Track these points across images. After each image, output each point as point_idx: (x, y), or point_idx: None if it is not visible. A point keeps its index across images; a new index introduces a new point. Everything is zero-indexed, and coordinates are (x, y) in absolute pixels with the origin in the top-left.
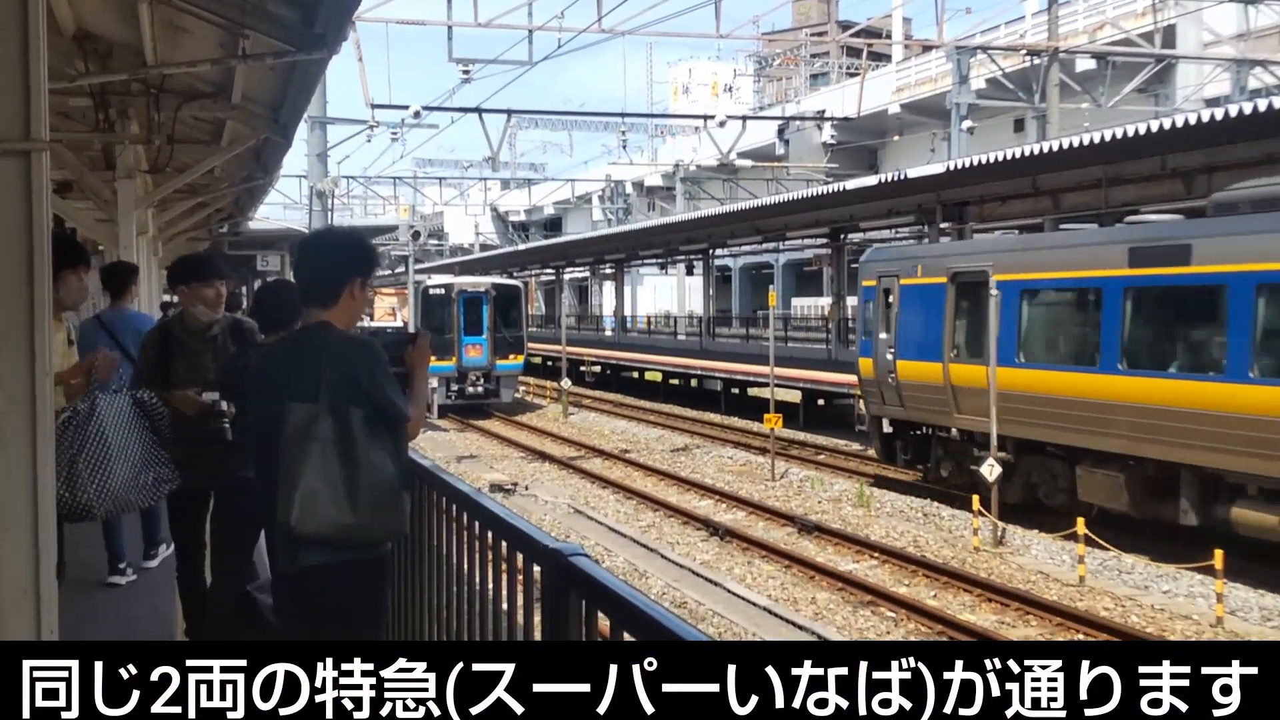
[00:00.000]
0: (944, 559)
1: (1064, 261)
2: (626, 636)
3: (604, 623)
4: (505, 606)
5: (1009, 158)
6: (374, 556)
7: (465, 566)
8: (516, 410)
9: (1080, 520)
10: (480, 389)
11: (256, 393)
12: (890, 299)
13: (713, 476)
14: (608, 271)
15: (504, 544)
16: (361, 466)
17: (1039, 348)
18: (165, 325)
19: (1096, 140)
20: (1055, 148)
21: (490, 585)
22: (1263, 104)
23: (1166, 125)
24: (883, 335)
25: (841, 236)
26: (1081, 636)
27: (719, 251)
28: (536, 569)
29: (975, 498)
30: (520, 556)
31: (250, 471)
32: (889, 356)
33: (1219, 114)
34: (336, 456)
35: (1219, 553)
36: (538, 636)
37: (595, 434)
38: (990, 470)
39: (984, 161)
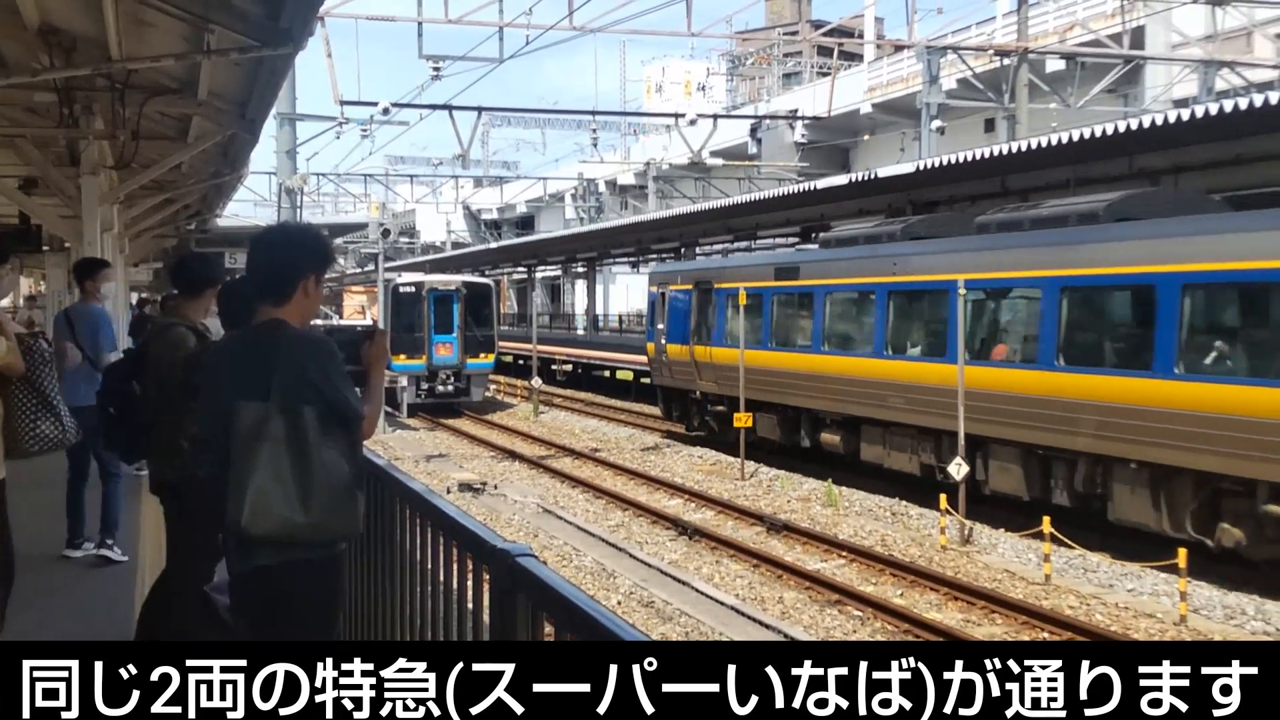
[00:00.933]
0: (911, 558)
1: (744, 275)
2: (569, 638)
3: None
4: (471, 605)
5: (978, 158)
6: (327, 556)
7: (429, 565)
8: (487, 409)
9: (1046, 519)
10: (450, 387)
11: (209, 390)
12: (663, 300)
13: (682, 475)
14: (580, 270)
15: (454, 545)
16: (314, 466)
17: (732, 335)
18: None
19: (1064, 141)
20: (1023, 148)
21: (455, 584)
22: (1229, 105)
23: (1134, 126)
24: (659, 326)
25: (813, 235)
26: (1047, 635)
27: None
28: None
29: (943, 496)
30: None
31: (204, 470)
32: (663, 342)
33: (1185, 115)
34: (288, 456)
35: (1182, 551)
36: (486, 637)
37: (566, 433)
38: (958, 469)
39: (953, 161)
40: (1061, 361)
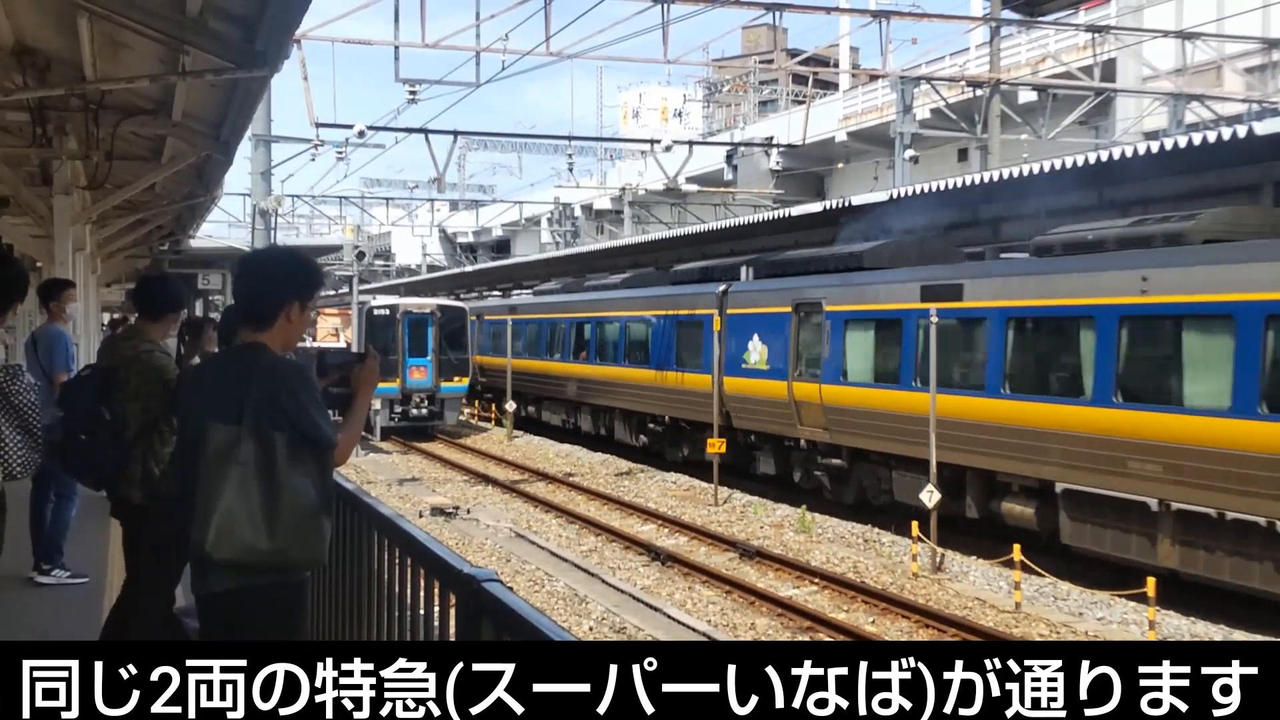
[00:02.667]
0: (883, 585)
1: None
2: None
3: None
4: (437, 631)
5: (949, 187)
6: (288, 582)
7: (397, 589)
8: (460, 433)
9: (1016, 547)
10: (424, 411)
11: (182, 411)
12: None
13: (656, 501)
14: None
15: (422, 570)
16: (282, 492)
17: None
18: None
19: (1034, 171)
20: (994, 178)
21: (422, 609)
22: (1197, 138)
23: (1104, 158)
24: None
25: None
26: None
27: None
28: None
29: (915, 524)
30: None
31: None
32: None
33: (1154, 147)
34: (256, 480)
35: (1151, 580)
36: None
37: (540, 457)
38: (929, 497)
39: (925, 190)
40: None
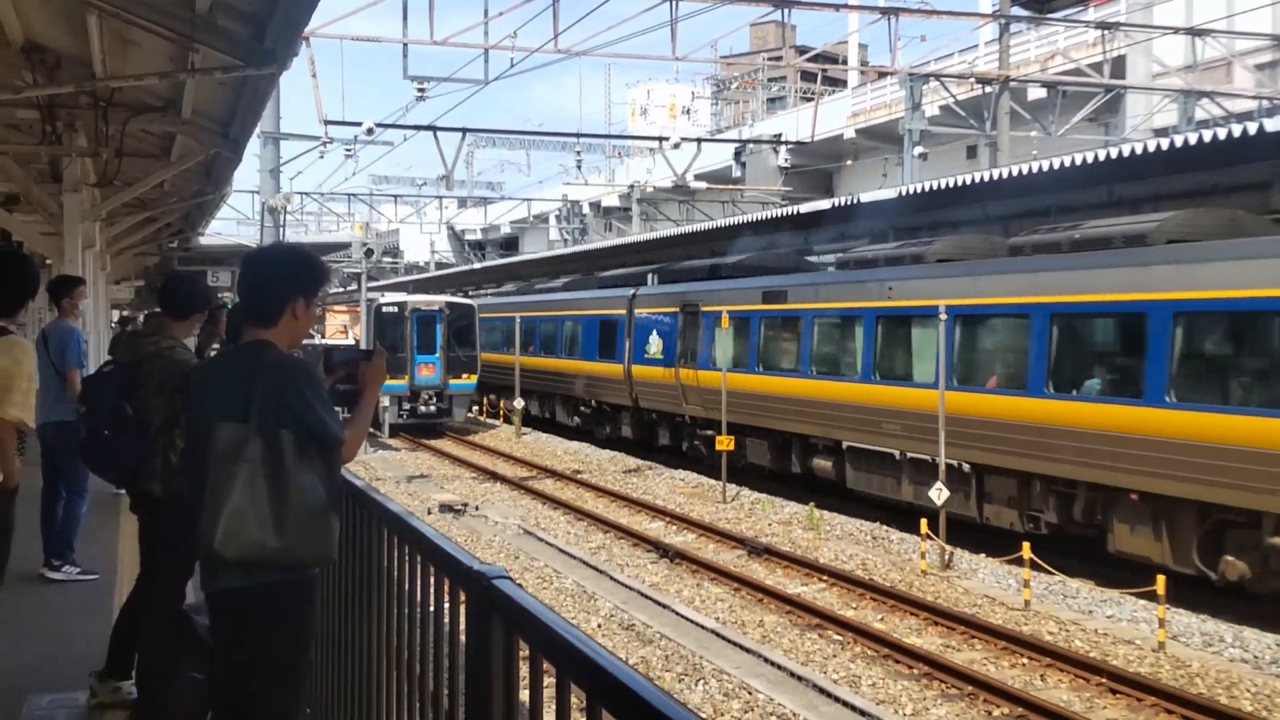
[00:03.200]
0: (891, 582)
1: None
2: (546, 663)
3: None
4: (447, 627)
5: (959, 184)
6: (297, 580)
7: (406, 586)
8: (468, 430)
9: (1026, 545)
10: (433, 408)
11: (192, 408)
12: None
13: (664, 498)
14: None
15: (432, 567)
16: (290, 490)
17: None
18: None
19: (1044, 168)
20: (1004, 175)
21: (432, 606)
22: (1208, 135)
23: (1114, 154)
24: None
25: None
26: (1026, 661)
27: None
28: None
29: (924, 521)
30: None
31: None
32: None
33: (1165, 144)
34: (264, 479)
35: (1161, 578)
36: (463, 660)
37: (547, 454)
38: (939, 495)
39: (934, 188)
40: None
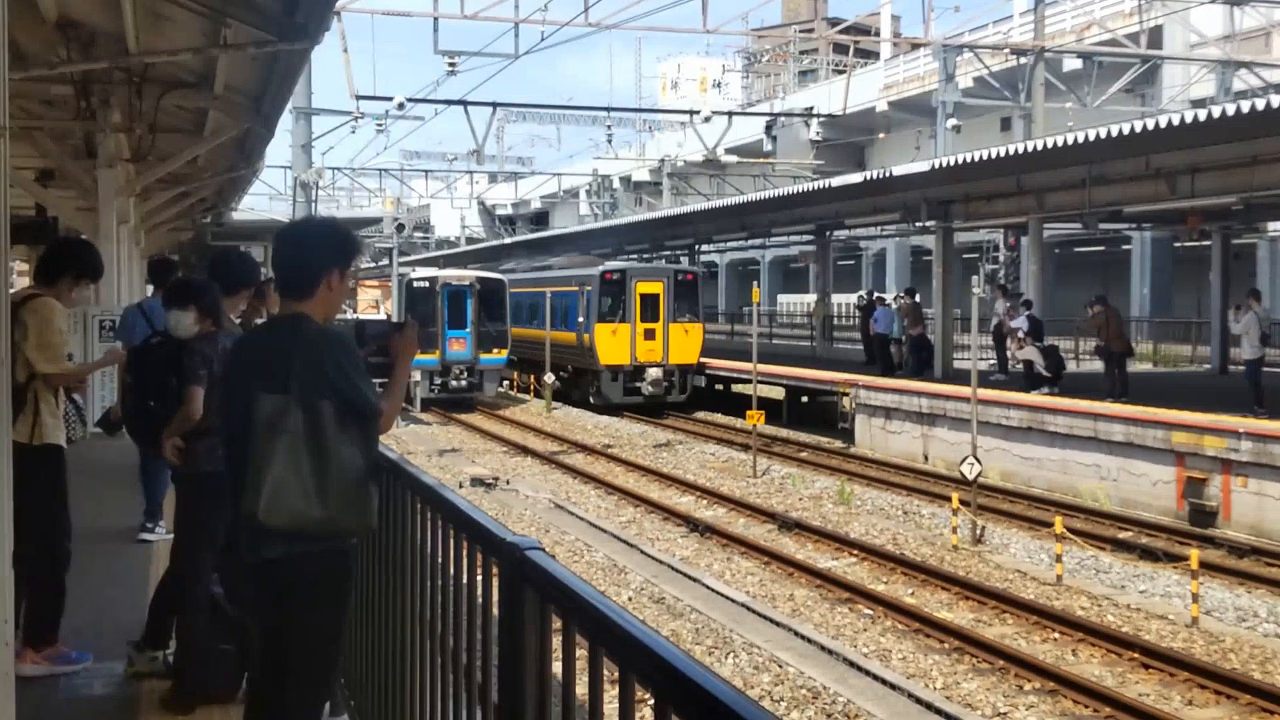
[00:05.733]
0: (922, 557)
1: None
2: (578, 635)
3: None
4: (480, 598)
5: (993, 156)
6: (337, 550)
7: (439, 558)
8: (499, 404)
9: (1058, 519)
10: (463, 382)
11: (230, 381)
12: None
13: (694, 473)
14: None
15: (464, 539)
16: (331, 460)
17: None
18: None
19: (1080, 140)
20: (1039, 147)
21: (465, 577)
22: (1246, 105)
23: (1150, 125)
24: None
25: (827, 234)
26: (1057, 636)
27: (705, 247)
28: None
29: (955, 495)
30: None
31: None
32: None
33: (1202, 115)
34: (306, 449)
35: (1195, 553)
36: (495, 630)
37: (578, 429)
38: (970, 469)
39: (968, 160)
40: None
